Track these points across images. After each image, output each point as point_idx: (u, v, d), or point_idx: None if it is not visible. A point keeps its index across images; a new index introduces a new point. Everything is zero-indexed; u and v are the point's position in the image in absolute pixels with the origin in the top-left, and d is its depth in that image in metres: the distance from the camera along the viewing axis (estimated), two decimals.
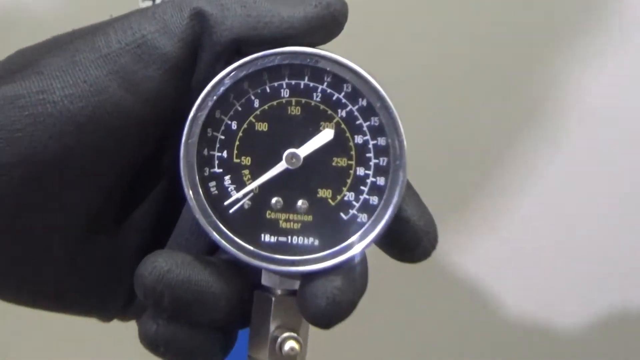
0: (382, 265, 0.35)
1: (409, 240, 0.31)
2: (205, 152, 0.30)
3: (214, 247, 0.32)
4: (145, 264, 0.29)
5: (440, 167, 0.63)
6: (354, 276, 0.30)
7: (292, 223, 0.31)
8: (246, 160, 0.30)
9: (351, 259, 0.30)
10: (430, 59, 0.63)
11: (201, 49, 0.30)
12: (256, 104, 0.30)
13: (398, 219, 0.31)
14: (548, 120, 0.65)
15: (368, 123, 0.30)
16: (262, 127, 0.30)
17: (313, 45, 0.30)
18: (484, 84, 0.63)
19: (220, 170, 0.31)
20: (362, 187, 0.30)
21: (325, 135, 0.30)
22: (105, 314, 0.34)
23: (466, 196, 0.64)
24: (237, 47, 0.30)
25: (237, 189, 0.30)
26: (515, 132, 0.65)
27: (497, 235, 0.66)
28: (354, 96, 0.30)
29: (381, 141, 0.30)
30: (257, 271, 0.31)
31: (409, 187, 0.32)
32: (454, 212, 0.63)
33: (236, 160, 0.31)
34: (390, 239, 0.31)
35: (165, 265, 0.29)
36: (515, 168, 0.65)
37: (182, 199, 0.31)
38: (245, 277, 0.31)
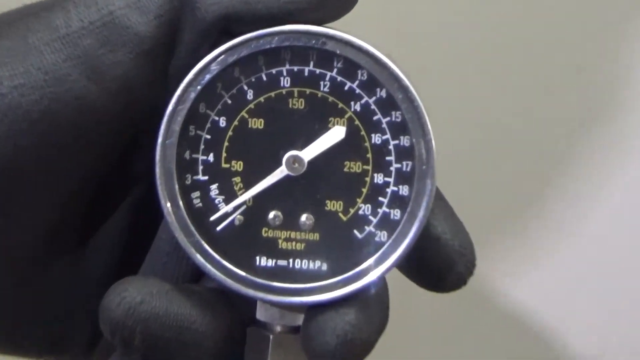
0: (406, 292, 0.33)
1: (439, 263, 0.30)
2: (187, 155, 0.30)
3: (198, 273, 0.31)
4: (113, 293, 0.28)
5: (481, 174, 0.59)
6: (371, 308, 0.29)
7: (294, 243, 0.30)
8: (237, 166, 0.30)
9: (367, 287, 0.29)
10: (472, 40, 0.59)
11: (182, 29, 0.29)
12: (250, 95, 0.30)
13: (426, 238, 0.30)
14: (626, 118, 0.64)
15: (388, 119, 0.30)
16: (257, 124, 0.30)
17: (320, 23, 0.29)
18: (540, 72, 0.60)
19: (206, 177, 0.30)
20: (380, 198, 0.30)
21: (335, 134, 0.30)
22: (64, 356, 0.33)
23: (516, 210, 0.60)
24: (226, 26, 0.29)
25: (227, 201, 0.30)
26: (583, 130, 0.63)
27: (558, 259, 0.63)
28: (370, 86, 0.30)
29: (404, 141, 0.30)
30: (251, 303, 0.30)
31: (439, 197, 0.30)
32: (499, 230, 0.60)
33: (225, 165, 0.30)
34: (416, 263, 0.30)
35: (137, 295, 0.28)
36: (583, 175, 0.63)
37: (159, 213, 0.30)
38: (237, 310, 0.30)
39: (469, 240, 0.31)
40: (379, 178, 0.30)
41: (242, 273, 0.30)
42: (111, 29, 0.29)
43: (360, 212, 0.30)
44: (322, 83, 0.30)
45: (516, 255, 0.62)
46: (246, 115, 0.30)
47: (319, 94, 0.30)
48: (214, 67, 0.29)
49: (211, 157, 0.30)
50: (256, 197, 0.30)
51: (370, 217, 0.30)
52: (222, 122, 0.30)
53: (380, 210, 0.30)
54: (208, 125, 0.30)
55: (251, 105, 0.30)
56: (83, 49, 0.29)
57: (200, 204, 0.30)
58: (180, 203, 0.30)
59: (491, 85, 0.59)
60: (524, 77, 0.59)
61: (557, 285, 0.63)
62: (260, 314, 0.31)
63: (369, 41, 0.30)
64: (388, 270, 0.30)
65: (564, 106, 0.60)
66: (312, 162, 0.30)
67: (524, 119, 0.60)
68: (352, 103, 0.30)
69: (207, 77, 0.30)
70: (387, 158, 0.30)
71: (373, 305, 0.30)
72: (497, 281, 0.62)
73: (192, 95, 0.30)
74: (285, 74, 0.30)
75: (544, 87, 0.59)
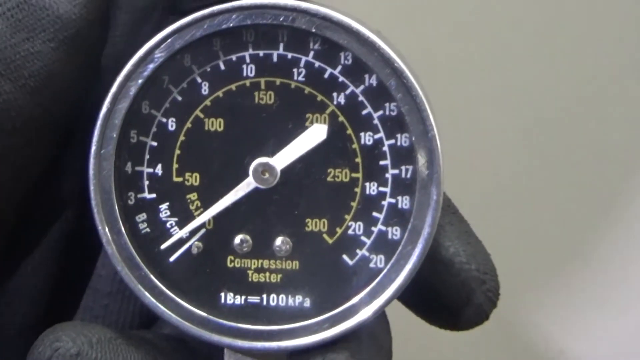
0: (413, 330, 0.34)
1: (453, 294, 0.30)
2: (129, 167, 0.30)
3: (150, 317, 0.32)
4: (42, 344, 0.28)
5: (517, 186, 0.60)
6: (367, 353, 0.29)
7: (267, 274, 0.30)
8: (193, 179, 0.30)
9: (361, 326, 0.29)
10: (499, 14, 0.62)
11: (116, 7, 0.29)
12: (205, 89, 0.30)
13: (434, 261, 0.30)
14: None
15: (380, 113, 0.29)
16: (216, 125, 0.30)
17: None
18: (598, 111, 0.61)
19: (153, 195, 0.30)
20: (375, 214, 0.30)
21: (315, 134, 0.30)
22: None
23: (564, 236, 0.61)
24: (172, 2, 0.29)
25: (181, 224, 0.30)
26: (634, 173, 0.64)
27: (614, 303, 0.64)
28: (356, 72, 0.29)
29: (402, 140, 0.30)
30: (217, 351, 0.30)
31: (450, 211, 0.31)
32: (540, 261, 0.61)
33: (177, 179, 0.30)
34: (423, 294, 0.30)
35: (73, 345, 0.28)
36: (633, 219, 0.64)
37: (96, 243, 0.30)
38: None
39: (490, 263, 0.30)
40: (372, 188, 0.30)
41: (204, 314, 0.30)
42: (27, 11, 0.28)
43: (350, 232, 0.30)
44: (295, 71, 0.30)
45: (558, 290, 0.62)
46: (201, 115, 0.30)
47: (293, 85, 0.30)
48: (159, 55, 0.29)
49: (159, 170, 0.30)
50: (218, 218, 0.30)
51: (363, 238, 0.30)
52: (172, 124, 0.30)
53: (374, 229, 0.30)
54: (154, 129, 0.30)
55: (207, 102, 0.30)
56: None
57: (148, 229, 0.30)
58: (122, 228, 0.30)
59: (544, 119, 0.59)
60: (582, 115, 0.60)
61: (615, 333, 0.62)
62: None
63: (352, 15, 0.29)
64: (386, 304, 0.29)
65: (617, 147, 0.60)
66: (286, 172, 0.30)
67: (572, 160, 0.60)
68: (335, 95, 0.30)
69: (150, 67, 0.29)
70: (381, 162, 0.30)
71: (369, 349, 0.29)
72: (541, 321, 0.62)
73: (132, 91, 0.29)
74: (248, 60, 0.30)
75: (600, 126, 0.60)
